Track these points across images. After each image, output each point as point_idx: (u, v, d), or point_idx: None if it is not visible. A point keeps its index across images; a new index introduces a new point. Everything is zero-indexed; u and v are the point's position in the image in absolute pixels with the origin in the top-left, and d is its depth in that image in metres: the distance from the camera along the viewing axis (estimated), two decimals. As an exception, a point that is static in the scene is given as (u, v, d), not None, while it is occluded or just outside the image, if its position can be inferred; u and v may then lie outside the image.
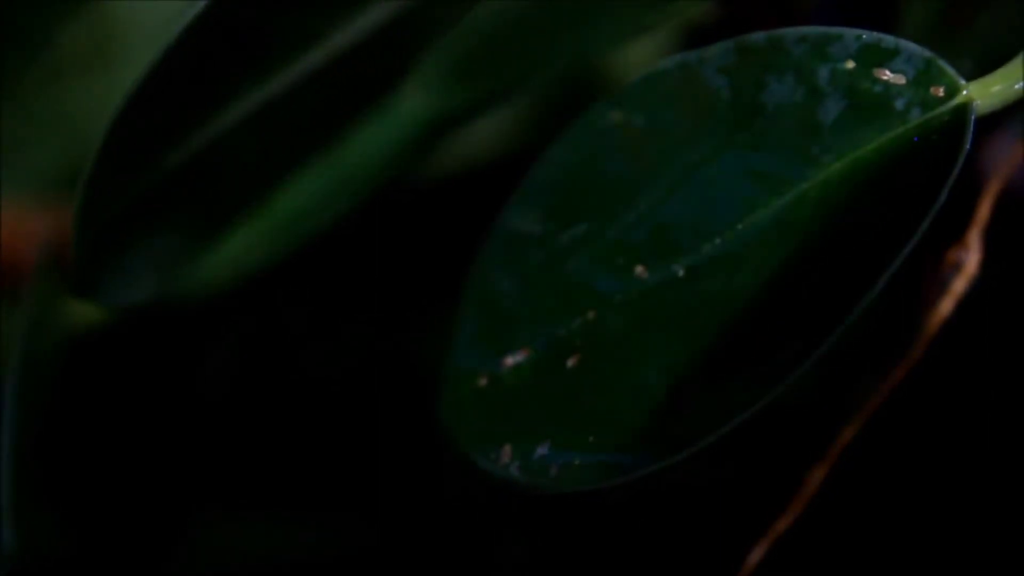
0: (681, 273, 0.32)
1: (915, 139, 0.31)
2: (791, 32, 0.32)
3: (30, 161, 0.53)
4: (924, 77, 0.32)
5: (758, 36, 0.33)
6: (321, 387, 0.58)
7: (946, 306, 0.35)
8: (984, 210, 0.35)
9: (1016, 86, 0.32)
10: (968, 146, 0.31)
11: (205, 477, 0.58)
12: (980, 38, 0.42)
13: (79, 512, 0.56)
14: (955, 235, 0.35)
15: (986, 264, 0.35)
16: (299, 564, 0.57)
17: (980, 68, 0.33)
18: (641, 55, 0.49)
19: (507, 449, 0.31)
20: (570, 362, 0.32)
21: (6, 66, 0.44)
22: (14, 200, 0.53)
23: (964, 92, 0.32)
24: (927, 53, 0.32)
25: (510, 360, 0.32)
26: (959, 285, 0.35)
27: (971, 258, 0.35)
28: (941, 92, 0.32)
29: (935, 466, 0.36)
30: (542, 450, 0.31)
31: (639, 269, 0.32)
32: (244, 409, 0.58)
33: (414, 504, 0.54)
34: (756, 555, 0.35)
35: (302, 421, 0.59)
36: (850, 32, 0.32)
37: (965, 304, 0.35)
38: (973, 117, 0.31)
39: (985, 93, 0.32)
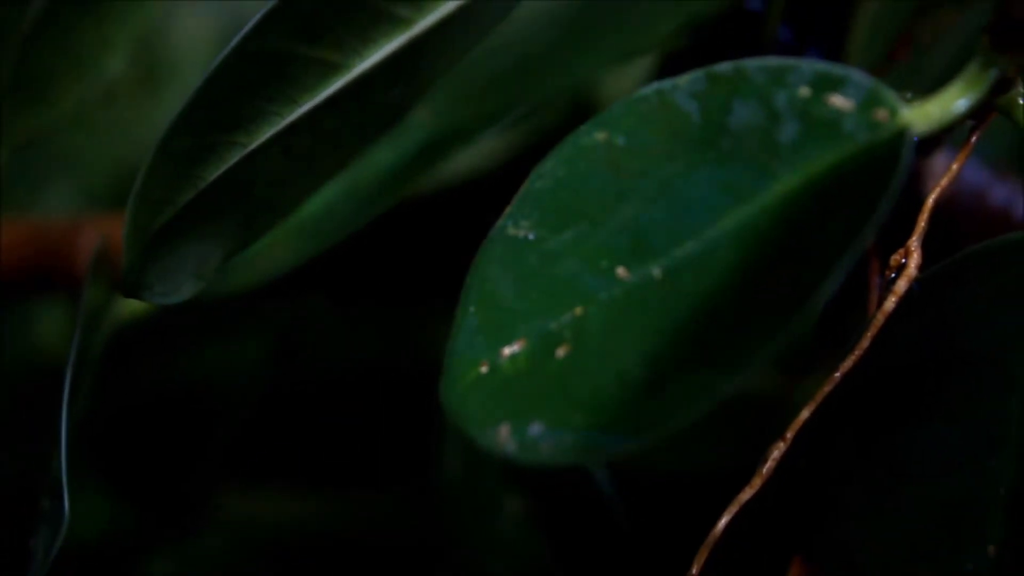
0: (658, 274, 0.33)
1: (861, 157, 0.32)
2: (754, 62, 0.33)
3: (86, 176, 0.53)
4: (869, 102, 0.33)
5: (725, 66, 0.34)
6: (338, 374, 0.58)
7: (890, 303, 0.35)
8: (923, 220, 0.36)
9: (950, 111, 0.34)
10: (908, 164, 0.32)
11: (234, 454, 0.57)
12: (920, 70, 0.42)
13: (120, 485, 0.58)
14: (898, 241, 0.36)
15: (924, 266, 0.35)
16: (315, 530, 0.57)
17: (919, 96, 0.34)
18: (623, 84, 0.49)
19: (504, 429, 0.32)
20: (560, 352, 0.32)
21: (65, 91, 0.46)
22: (73, 211, 0.54)
23: (904, 116, 0.33)
24: (872, 81, 0.33)
25: (508, 350, 0.33)
26: (901, 285, 0.35)
27: (912, 261, 0.36)
28: (884, 116, 0.33)
29: (881, 441, 0.36)
30: (536, 429, 0.31)
31: (621, 270, 0.33)
32: (270, 394, 0.59)
33: (419, 476, 0.54)
34: (722, 522, 0.35)
35: (322, 403, 0.58)
36: (805, 62, 0.33)
37: (906, 301, 0.35)
38: (913, 138, 0.32)
39: (923, 117, 0.33)
